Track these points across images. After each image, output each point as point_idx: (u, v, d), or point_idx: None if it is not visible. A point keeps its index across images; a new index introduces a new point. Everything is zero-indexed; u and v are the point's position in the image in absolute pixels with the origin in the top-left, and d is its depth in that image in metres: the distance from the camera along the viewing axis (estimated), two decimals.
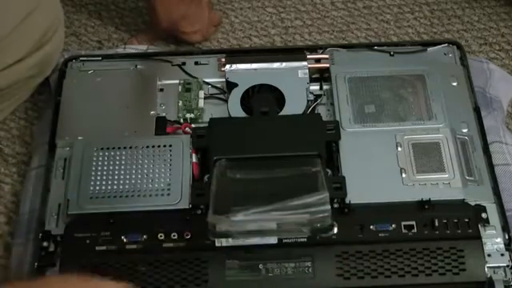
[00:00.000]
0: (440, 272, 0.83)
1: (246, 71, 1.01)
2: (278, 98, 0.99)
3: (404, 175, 0.90)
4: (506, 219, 0.88)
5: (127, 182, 0.90)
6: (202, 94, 1.00)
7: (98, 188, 0.89)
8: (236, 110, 0.98)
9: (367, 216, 0.87)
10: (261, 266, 0.83)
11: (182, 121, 0.98)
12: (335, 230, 0.86)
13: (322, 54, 1.04)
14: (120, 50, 1.10)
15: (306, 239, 0.85)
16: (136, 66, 1.03)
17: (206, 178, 0.91)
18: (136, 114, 0.98)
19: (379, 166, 0.91)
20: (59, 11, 1.03)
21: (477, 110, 0.98)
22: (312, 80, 1.01)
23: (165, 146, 0.93)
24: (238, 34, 1.16)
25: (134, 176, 0.90)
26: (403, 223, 0.86)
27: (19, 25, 0.96)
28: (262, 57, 1.03)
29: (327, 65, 1.02)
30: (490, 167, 0.92)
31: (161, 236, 0.85)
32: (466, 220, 0.86)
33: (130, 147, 0.93)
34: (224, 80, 1.01)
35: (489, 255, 0.85)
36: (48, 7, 1.00)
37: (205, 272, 0.83)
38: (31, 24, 0.97)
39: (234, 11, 1.19)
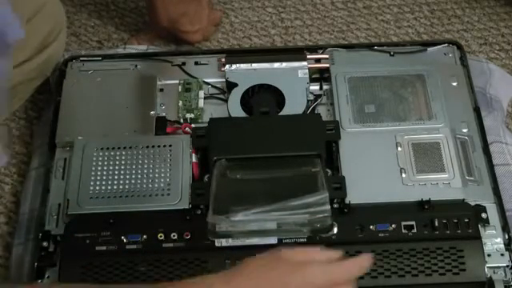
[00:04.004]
0: (440, 272, 0.83)
1: (246, 71, 1.01)
2: (277, 98, 0.99)
3: (404, 175, 0.90)
4: (505, 219, 0.88)
5: (127, 182, 0.90)
6: (202, 93, 1.00)
7: (97, 188, 0.89)
8: (236, 109, 0.98)
9: (367, 216, 0.87)
10: None
11: (182, 121, 0.98)
12: (335, 230, 0.86)
13: (321, 53, 1.04)
14: (120, 50, 1.10)
15: (305, 239, 0.85)
16: (136, 65, 1.03)
17: (205, 178, 0.91)
18: (136, 114, 0.98)
19: (379, 166, 0.91)
20: (61, 15, 1.03)
21: (477, 110, 0.98)
22: (312, 80, 1.01)
23: (165, 146, 0.93)
24: (238, 34, 1.16)
25: (134, 176, 0.90)
26: (403, 223, 0.86)
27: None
28: (262, 57, 1.03)
29: (327, 65, 1.02)
30: (490, 167, 0.92)
31: (161, 236, 0.85)
32: (466, 220, 0.86)
33: (130, 147, 0.93)
34: (224, 80, 1.01)
35: (489, 255, 0.85)
36: (50, 11, 1.00)
37: (205, 272, 0.83)
38: (34, 27, 0.97)
39: (233, 11, 1.19)
